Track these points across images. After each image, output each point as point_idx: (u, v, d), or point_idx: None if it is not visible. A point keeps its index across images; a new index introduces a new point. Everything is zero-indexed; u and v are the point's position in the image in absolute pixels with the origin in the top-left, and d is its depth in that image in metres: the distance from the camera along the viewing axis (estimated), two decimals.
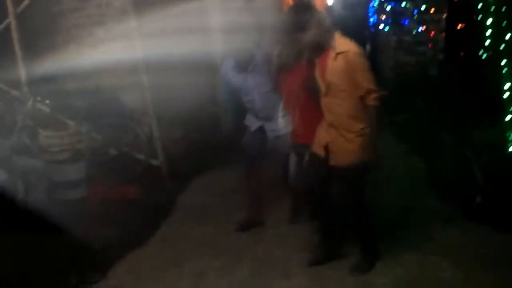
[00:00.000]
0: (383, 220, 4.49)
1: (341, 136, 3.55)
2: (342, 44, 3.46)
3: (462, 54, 7.02)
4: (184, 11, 5.41)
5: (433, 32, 8.59)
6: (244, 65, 4.24)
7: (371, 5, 12.30)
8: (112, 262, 4.21)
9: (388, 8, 9.23)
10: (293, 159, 4.22)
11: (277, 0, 5.63)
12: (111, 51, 5.54)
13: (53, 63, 5.70)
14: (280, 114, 4.24)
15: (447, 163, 5.40)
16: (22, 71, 6.10)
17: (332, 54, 3.45)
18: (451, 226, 4.40)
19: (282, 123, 4.23)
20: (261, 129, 4.40)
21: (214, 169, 6.11)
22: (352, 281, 3.73)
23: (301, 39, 3.49)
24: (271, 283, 3.81)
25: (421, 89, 7.73)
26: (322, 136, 3.69)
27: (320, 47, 3.52)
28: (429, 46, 8.63)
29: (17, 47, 6.08)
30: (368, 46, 13.24)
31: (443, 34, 8.28)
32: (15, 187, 4.86)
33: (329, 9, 13.41)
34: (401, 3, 8.82)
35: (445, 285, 3.61)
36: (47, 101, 5.82)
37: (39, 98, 5.75)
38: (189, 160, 6.09)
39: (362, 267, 3.84)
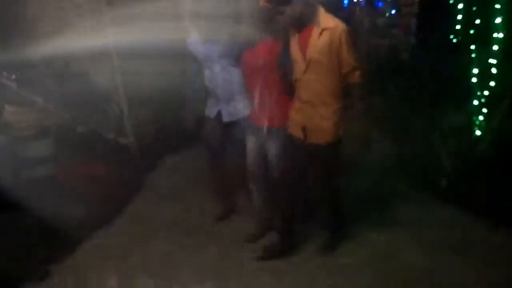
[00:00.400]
0: (353, 202, 4.56)
1: (318, 114, 3.52)
2: (327, 20, 3.42)
3: (433, 38, 7.07)
4: None
5: (405, 16, 8.63)
6: (211, 34, 4.08)
7: None
8: (80, 240, 4.18)
9: None
10: (251, 143, 4.04)
11: None
12: (83, 31, 5.42)
13: (23, 42, 5.55)
14: (240, 96, 4.08)
15: (417, 147, 5.47)
16: None
17: (316, 30, 3.41)
18: (419, 209, 4.51)
19: (240, 106, 4.09)
20: (219, 116, 4.23)
21: (183, 149, 6.08)
22: (318, 261, 3.78)
23: (285, 12, 3.47)
24: (239, 263, 3.83)
25: (393, 72, 7.79)
26: (298, 116, 3.63)
27: (303, 22, 3.47)
28: (401, 29, 8.68)
29: None
30: None
31: (415, 19, 8.33)
32: None
33: None
34: None
35: (411, 266, 3.69)
36: (14, 77, 5.67)
37: (5, 74, 5.60)
38: (159, 140, 6.03)
39: (328, 246, 3.89)
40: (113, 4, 5.49)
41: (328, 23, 3.40)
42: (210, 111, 4.26)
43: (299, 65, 3.53)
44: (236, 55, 3.97)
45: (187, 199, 4.89)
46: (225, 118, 4.17)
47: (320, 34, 3.39)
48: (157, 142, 6.01)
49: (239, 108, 4.10)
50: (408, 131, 5.88)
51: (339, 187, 3.84)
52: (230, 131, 4.22)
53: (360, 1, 9.60)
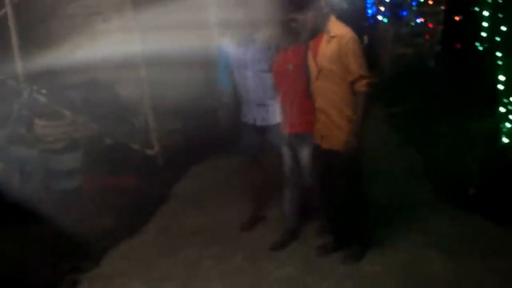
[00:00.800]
0: (377, 210, 4.52)
1: (331, 122, 3.54)
2: (337, 28, 3.44)
3: (459, 46, 7.02)
4: (183, 4, 5.41)
5: (431, 24, 8.58)
6: (243, 40, 4.12)
7: None
8: (107, 251, 4.24)
9: (387, 0, 9.21)
10: (286, 153, 4.04)
11: None
12: (108, 42, 5.54)
13: (50, 54, 5.70)
14: (273, 101, 4.07)
15: (442, 155, 5.41)
16: (18, 61, 6.11)
17: (326, 37, 3.45)
18: (444, 217, 4.42)
19: (273, 111, 4.08)
20: (255, 122, 4.24)
21: (209, 159, 6.13)
22: (343, 270, 3.75)
23: (298, 20, 3.49)
24: (265, 271, 3.83)
25: (418, 81, 7.75)
26: (316, 123, 3.67)
27: (315, 30, 3.50)
28: (427, 38, 8.63)
29: (13, 37, 6.08)
30: (366, 38, 13.29)
31: (441, 27, 8.27)
32: (11, 177, 4.90)
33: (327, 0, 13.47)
34: None
35: (436, 275, 3.63)
36: (44, 91, 5.84)
37: (35, 88, 5.76)
38: (185, 150, 6.10)
39: (354, 255, 3.86)
40: (139, 13, 5.59)
41: (336, 31, 3.42)
42: (246, 117, 4.28)
43: (312, 72, 3.57)
44: (268, 60, 3.98)
45: (212, 208, 4.92)
46: (259, 122, 4.19)
47: (329, 41, 3.42)
48: (183, 152, 6.08)
49: (272, 113, 4.12)
50: (435, 140, 5.83)
51: (361, 196, 3.80)
52: (265, 136, 4.26)
53: (385, 11, 9.57)
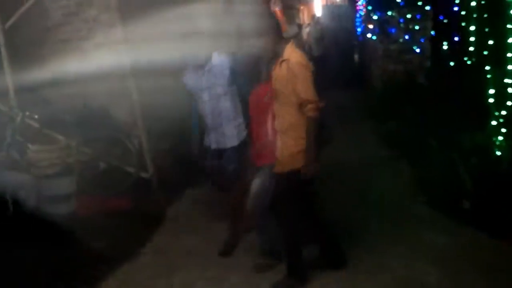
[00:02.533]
0: (371, 225, 4.54)
1: (283, 143, 3.60)
2: (288, 52, 3.54)
3: (448, 61, 7.10)
4: (171, 24, 5.46)
5: (419, 40, 8.69)
6: (200, 67, 4.22)
7: (358, 14, 12.46)
8: (103, 274, 4.18)
9: (375, 17, 9.33)
10: (256, 184, 3.95)
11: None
12: (99, 66, 5.57)
13: (42, 78, 5.72)
14: (231, 124, 4.18)
15: (435, 169, 5.44)
16: (10, 86, 6.12)
17: (279, 61, 3.56)
18: (439, 231, 4.43)
19: (229, 134, 4.19)
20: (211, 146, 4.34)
21: (202, 180, 6.10)
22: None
23: (259, 46, 3.66)
24: None
25: (409, 96, 7.82)
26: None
27: (274, 55, 3.61)
28: (416, 54, 8.73)
29: (5, 63, 6.10)
30: (356, 56, 13.44)
31: (429, 42, 8.38)
32: (5, 202, 4.86)
33: (316, 20, 13.64)
34: (387, 12, 8.92)
35: None
36: (36, 116, 5.83)
37: (27, 113, 5.75)
38: (178, 171, 6.10)
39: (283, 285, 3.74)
40: (129, 39, 5.63)
41: (286, 55, 3.51)
42: (207, 141, 4.36)
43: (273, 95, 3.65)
44: (223, 85, 4.13)
45: (207, 230, 4.90)
46: (213, 145, 4.27)
47: (280, 65, 3.52)
48: (177, 174, 6.07)
49: (228, 136, 4.21)
50: (427, 153, 5.86)
51: (295, 223, 3.69)
52: (221, 159, 4.29)
53: (373, 28, 9.69)
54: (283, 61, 3.50)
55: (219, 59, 4.19)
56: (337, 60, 11.77)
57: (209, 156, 4.34)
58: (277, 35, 3.61)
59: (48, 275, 4.02)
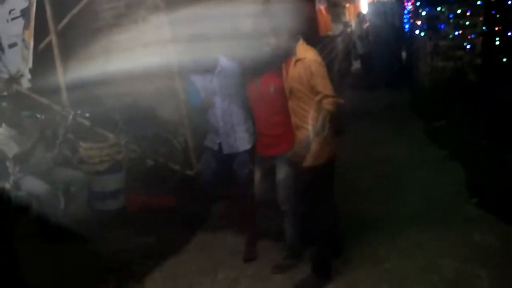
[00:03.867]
0: (421, 225, 4.44)
1: (301, 139, 3.66)
2: (302, 51, 3.64)
3: (500, 57, 6.86)
4: (220, 23, 5.50)
5: (469, 37, 8.43)
6: (209, 68, 4.17)
7: (405, 11, 12.20)
8: (150, 270, 4.30)
9: (423, 13, 9.11)
10: (259, 174, 4.04)
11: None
12: (147, 65, 5.68)
13: (93, 78, 5.89)
14: (242, 127, 4.18)
15: (486, 169, 5.27)
16: (62, 86, 6.34)
17: (293, 59, 3.64)
18: (490, 233, 4.29)
19: (242, 139, 4.18)
20: (220, 148, 4.27)
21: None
22: None
23: (271, 44, 3.68)
24: None
25: (459, 94, 7.60)
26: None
27: (286, 53, 3.69)
28: (466, 50, 8.47)
29: (58, 63, 6.33)
30: (404, 53, 13.16)
31: (481, 38, 8.11)
32: (57, 198, 5.06)
33: (361, 17, 13.44)
34: (436, 8, 8.69)
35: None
36: (87, 115, 6.02)
37: (79, 112, 5.95)
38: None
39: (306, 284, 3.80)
40: (177, 42, 5.70)
41: (300, 55, 3.62)
42: (212, 144, 4.31)
43: (286, 92, 3.73)
44: (235, 86, 4.09)
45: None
46: (225, 151, 4.22)
47: (295, 64, 3.63)
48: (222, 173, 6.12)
49: (240, 139, 4.18)
50: (479, 153, 5.69)
51: (326, 214, 3.77)
52: (230, 163, 4.25)
53: (422, 25, 9.46)
54: (298, 60, 3.60)
55: (229, 62, 4.16)
56: (384, 58, 11.55)
57: (212, 158, 4.32)
58: (290, 33, 3.66)
59: (98, 269, 4.15)
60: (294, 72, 3.62)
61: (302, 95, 3.61)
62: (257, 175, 4.09)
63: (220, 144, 4.24)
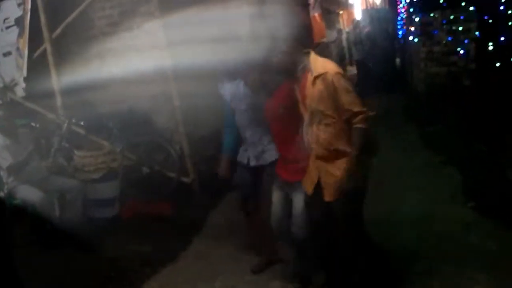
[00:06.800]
0: (419, 231, 4.43)
1: (331, 166, 3.20)
2: (319, 65, 3.16)
3: (493, 62, 6.90)
4: (213, 28, 5.51)
5: (463, 42, 8.48)
6: (236, 73, 3.94)
7: (399, 17, 12.28)
8: (147, 277, 4.27)
9: (417, 19, 9.16)
10: (276, 196, 3.70)
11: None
12: (142, 72, 5.68)
13: (87, 86, 5.89)
14: (268, 139, 3.82)
15: (482, 173, 5.28)
16: (57, 95, 6.33)
17: (310, 77, 3.16)
18: (488, 237, 4.28)
19: (269, 150, 3.83)
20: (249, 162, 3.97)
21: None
22: None
23: (275, 61, 3.29)
24: None
25: (454, 99, 7.63)
26: (311, 171, 3.32)
27: (295, 69, 3.25)
28: (460, 56, 8.51)
29: (52, 72, 6.32)
30: (398, 59, 13.23)
31: (474, 44, 8.16)
32: (52, 206, 5.03)
33: (355, 24, 13.52)
34: (429, 14, 8.74)
35: None
36: (82, 123, 6.01)
37: (73, 120, 5.94)
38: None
39: None
40: (172, 44, 5.71)
41: (318, 69, 3.13)
42: (242, 157, 4.02)
43: (304, 116, 3.27)
44: (262, 96, 3.75)
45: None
46: (252, 163, 3.92)
47: (314, 82, 3.13)
48: (218, 180, 6.10)
49: (268, 150, 3.85)
50: (474, 158, 5.70)
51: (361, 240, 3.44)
52: (260, 177, 3.97)
53: (415, 31, 9.52)
54: (317, 77, 3.12)
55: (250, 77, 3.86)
56: (379, 64, 11.62)
57: (243, 173, 4.03)
58: (293, 46, 3.27)
59: (95, 277, 4.12)
60: (313, 92, 3.13)
61: (325, 117, 3.13)
62: (275, 199, 3.71)
63: (248, 157, 3.96)
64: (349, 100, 3.08)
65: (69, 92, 6.12)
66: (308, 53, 3.24)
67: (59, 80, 6.30)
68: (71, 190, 5.23)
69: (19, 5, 6.59)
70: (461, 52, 8.50)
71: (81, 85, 5.92)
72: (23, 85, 6.60)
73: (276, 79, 3.48)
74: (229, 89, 4.01)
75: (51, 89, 6.32)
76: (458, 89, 8.04)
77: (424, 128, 7.70)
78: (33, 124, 5.83)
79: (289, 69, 3.27)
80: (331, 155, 3.18)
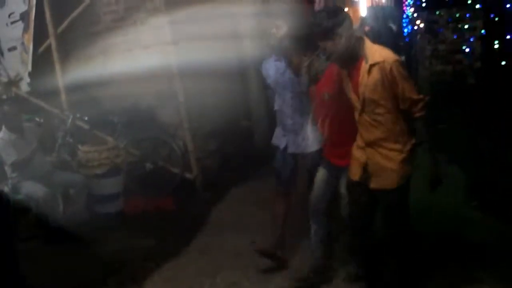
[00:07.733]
0: (423, 231, 4.41)
1: (381, 156, 3.11)
2: (376, 53, 3.02)
3: (499, 60, 6.87)
4: (218, 25, 5.50)
5: (469, 40, 8.45)
6: (282, 61, 3.83)
7: (405, 15, 12.24)
8: (150, 272, 4.27)
9: (422, 17, 9.14)
10: (321, 175, 3.68)
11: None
12: (147, 68, 5.68)
13: (92, 81, 5.90)
14: (310, 127, 3.76)
15: (486, 172, 5.27)
16: (62, 90, 6.34)
17: (365, 66, 3.02)
18: (493, 236, 4.28)
19: (309, 139, 3.77)
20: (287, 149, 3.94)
21: (247, 181, 6.13)
22: None
23: (328, 48, 3.12)
24: None
25: (459, 97, 7.61)
26: (359, 157, 3.23)
27: (350, 57, 3.10)
28: (465, 54, 8.49)
29: (57, 67, 6.33)
30: (403, 57, 13.18)
31: (479, 42, 8.13)
32: (56, 201, 5.05)
33: (360, 21, 13.46)
34: (435, 12, 8.72)
35: None
36: (86, 118, 6.02)
37: (78, 115, 5.95)
38: (223, 172, 6.14)
39: None
40: (177, 39, 5.71)
41: (375, 57, 3.00)
42: (280, 143, 3.99)
43: (355, 105, 3.16)
44: (306, 84, 3.66)
45: (251, 231, 4.90)
46: (291, 149, 3.89)
47: (370, 70, 3.00)
48: (221, 174, 6.12)
49: (310, 139, 3.79)
50: (479, 157, 5.68)
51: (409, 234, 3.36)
52: (298, 163, 3.97)
53: (420, 29, 9.49)
54: (373, 65, 2.98)
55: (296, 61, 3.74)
56: None
57: (281, 157, 3.98)
58: (351, 33, 3.11)
59: (98, 272, 4.13)
60: (369, 81, 2.99)
61: (379, 106, 3.03)
62: (319, 177, 3.71)
63: (286, 143, 3.92)
64: (409, 88, 2.98)
65: (74, 87, 6.13)
66: (362, 39, 3.12)
67: (64, 75, 6.31)
68: (75, 185, 5.26)
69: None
70: (467, 50, 8.47)
71: (86, 81, 5.93)
72: (28, 80, 6.62)
73: (323, 65, 3.40)
74: (273, 75, 3.91)
75: (56, 84, 6.33)
76: (463, 87, 8.02)
77: (428, 127, 7.67)
78: (37, 119, 5.84)
79: (348, 55, 3.11)
80: (382, 144, 3.10)
